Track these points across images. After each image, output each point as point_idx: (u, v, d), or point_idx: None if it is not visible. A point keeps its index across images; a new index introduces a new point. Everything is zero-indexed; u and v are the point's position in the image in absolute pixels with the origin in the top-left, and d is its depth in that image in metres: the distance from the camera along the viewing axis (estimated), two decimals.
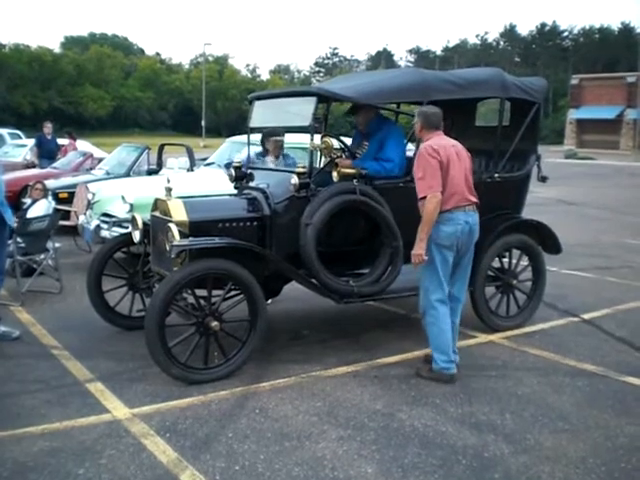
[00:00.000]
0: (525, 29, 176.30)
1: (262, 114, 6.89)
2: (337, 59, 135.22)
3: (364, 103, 6.35)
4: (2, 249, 6.54)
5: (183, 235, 5.53)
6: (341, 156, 6.02)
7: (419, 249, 5.36)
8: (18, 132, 24.41)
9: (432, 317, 5.58)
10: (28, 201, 9.62)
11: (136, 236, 6.36)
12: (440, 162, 5.38)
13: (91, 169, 13.67)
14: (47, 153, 16.25)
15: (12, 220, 6.56)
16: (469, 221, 5.54)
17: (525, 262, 7.18)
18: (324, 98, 6.16)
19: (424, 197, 5.36)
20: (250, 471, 4.06)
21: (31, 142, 17.92)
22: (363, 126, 6.61)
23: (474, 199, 5.63)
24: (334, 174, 5.92)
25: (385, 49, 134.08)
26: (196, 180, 10.14)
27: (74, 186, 11.19)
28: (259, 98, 7.00)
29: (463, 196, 5.52)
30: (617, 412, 4.98)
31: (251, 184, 6.46)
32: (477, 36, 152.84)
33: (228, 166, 7.29)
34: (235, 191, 6.70)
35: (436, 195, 5.33)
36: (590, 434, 4.62)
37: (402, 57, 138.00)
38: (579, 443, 4.47)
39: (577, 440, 4.52)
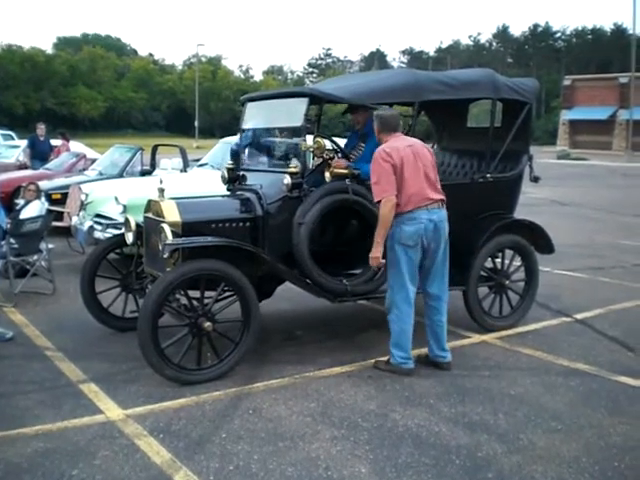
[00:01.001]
0: (518, 30, 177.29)
1: (255, 115, 6.90)
2: (330, 60, 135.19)
3: (357, 103, 6.36)
4: None
5: (176, 236, 5.53)
6: (333, 157, 6.03)
7: (376, 252, 5.45)
8: (11, 133, 24.42)
9: (395, 316, 5.66)
10: (21, 202, 9.60)
11: (129, 238, 6.35)
12: (393, 166, 5.42)
13: (84, 170, 13.64)
14: (39, 155, 16.19)
15: (5, 222, 6.55)
16: (433, 219, 5.55)
17: (518, 262, 7.20)
18: (316, 99, 6.18)
19: (379, 201, 5.42)
20: (244, 471, 4.06)
21: (24, 143, 17.88)
22: (361, 125, 6.62)
23: (437, 196, 5.62)
24: (326, 174, 5.93)
25: (378, 50, 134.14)
26: (189, 181, 10.14)
27: (67, 187, 11.18)
28: (251, 99, 7.01)
29: (423, 196, 5.53)
30: (610, 411, 4.99)
31: (244, 185, 6.46)
32: (470, 37, 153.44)
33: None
34: (228, 192, 6.70)
35: (390, 199, 5.39)
36: (583, 433, 4.63)
37: (395, 58, 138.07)
38: (572, 443, 4.49)
39: (570, 440, 4.53)
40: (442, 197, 5.65)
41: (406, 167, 5.46)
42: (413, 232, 5.50)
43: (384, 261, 5.52)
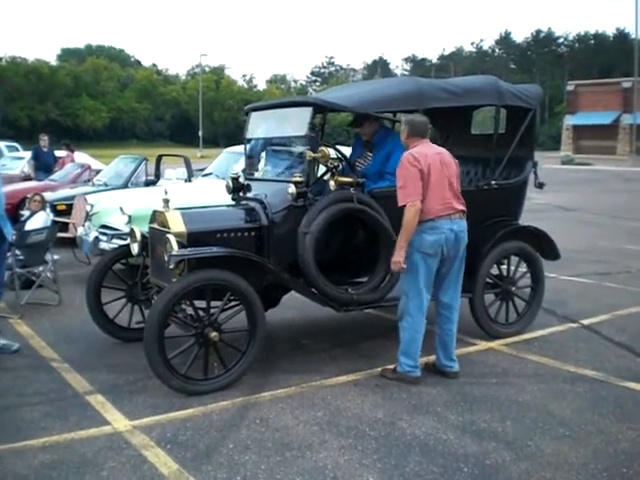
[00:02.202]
0: (520, 36, 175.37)
1: (259, 125, 6.91)
2: (333, 68, 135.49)
3: (360, 112, 6.37)
4: (1, 262, 6.54)
5: (181, 246, 5.53)
6: (338, 165, 6.02)
7: (398, 257, 5.43)
8: (15, 145, 24.51)
9: (406, 323, 5.63)
10: (26, 213, 9.63)
11: (134, 248, 6.35)
12: (420, 171, 5.40)
13: (89, 181, 13.69)
14: (43, 166, 16.24)
15: (10, 233, 6.55)
16: (454, 229, 5.54)
17: (524, 269, 7.19)
18: (320, 108, 6.18)
19: (404, 205, 5.40)
20: None
21: (28, 154, 17.94)
22: (369, 136, 6.62)
23: (460, 207, 5.62)
24: (331, 183, 5.93)
25: (381, 58, 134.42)
26: (194, 191, 10.15)
27: (72, 198, 11.20)
28: (255, 109, 7.02)
29: (447, 204, 5.52)
30: (618, 417, 4.97)
31: (249, 194, 6.47)
32: (472, 43, 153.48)
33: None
34: (233, 202, 6.70)
35: (415, 204, 5.36)
36: (591, 440, 4.61)
37: (398, 65, 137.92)
38: (580, 449, 4.47)
39: (578, 446, 4.51)
40: (464, 208, 5.65)
41: (433, 174, 5.44)
42: (434, 241, 5.48)
43: (405, 266, 5.48)
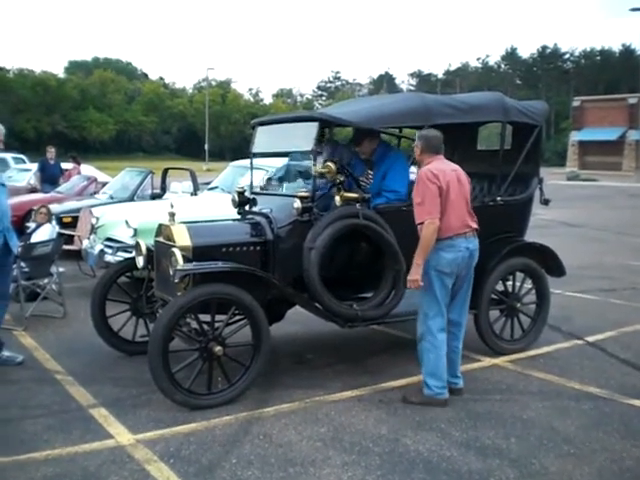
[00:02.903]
0: (526, 52, 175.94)
1: (265, 139, 6.93)
2: (339, 83, 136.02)
3: (366, 127, 6.38)
4: (7, 274, 6.56)
5: (187, 260, 5.54)
6: (344, 181, 6.03)
7: (415, 274, 5.34)
8: (22, 156, 24.54)
9: (430, 344, 5.52)
10: (32, 225, 9.65)
11: (140, 262, 6.36)
12: (439, 187, 5.36)
13: (95, 193, 13.73)
14: (49, 178, 16.29)
15: (16, 245, 6.57)
16: (469, 247, 5.53)
17: (529, 285, 7.17)
18: (327, 123, 6.20)
19: (422, 222, 5.37)
20: None
21: (35, 166, 17.99)
22: (368, 155, 6.61)
23: (474, 225, 5.62)
24: (337, 198, 5.93)
25: (387, 73, 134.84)
26: (200, 204, 10.17)
27: (78, 210, 11.25)
28: (262, 124, 7.04)
29: (464, 222, 5.51)
30: (623, 435, 4.95)
31: (254, 209, 6.48)
32: (478, 59, 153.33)
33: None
34: (238, 216, 6.71)
35: (434, 221, 5.31)
36: (596, 458, 4.59)
37: (404, 80, 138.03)
38: (585, 467, 4.45)
39: (583, 464, 4.49)
40: (477, 226, 5.64)
41: (452, 191, 5.41)
42: (451, 260, 5.45)
43: (423, 283, 5.41)
